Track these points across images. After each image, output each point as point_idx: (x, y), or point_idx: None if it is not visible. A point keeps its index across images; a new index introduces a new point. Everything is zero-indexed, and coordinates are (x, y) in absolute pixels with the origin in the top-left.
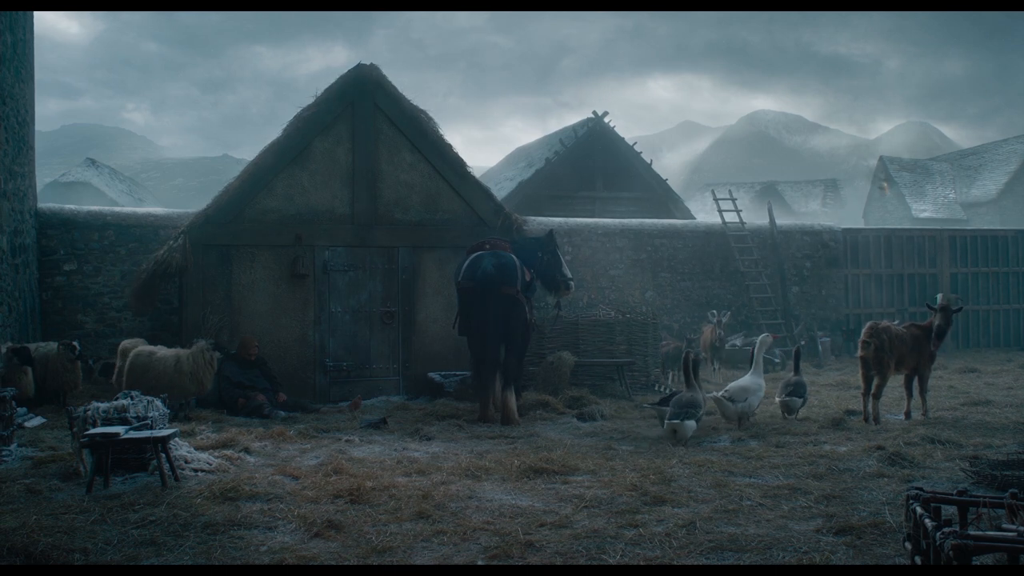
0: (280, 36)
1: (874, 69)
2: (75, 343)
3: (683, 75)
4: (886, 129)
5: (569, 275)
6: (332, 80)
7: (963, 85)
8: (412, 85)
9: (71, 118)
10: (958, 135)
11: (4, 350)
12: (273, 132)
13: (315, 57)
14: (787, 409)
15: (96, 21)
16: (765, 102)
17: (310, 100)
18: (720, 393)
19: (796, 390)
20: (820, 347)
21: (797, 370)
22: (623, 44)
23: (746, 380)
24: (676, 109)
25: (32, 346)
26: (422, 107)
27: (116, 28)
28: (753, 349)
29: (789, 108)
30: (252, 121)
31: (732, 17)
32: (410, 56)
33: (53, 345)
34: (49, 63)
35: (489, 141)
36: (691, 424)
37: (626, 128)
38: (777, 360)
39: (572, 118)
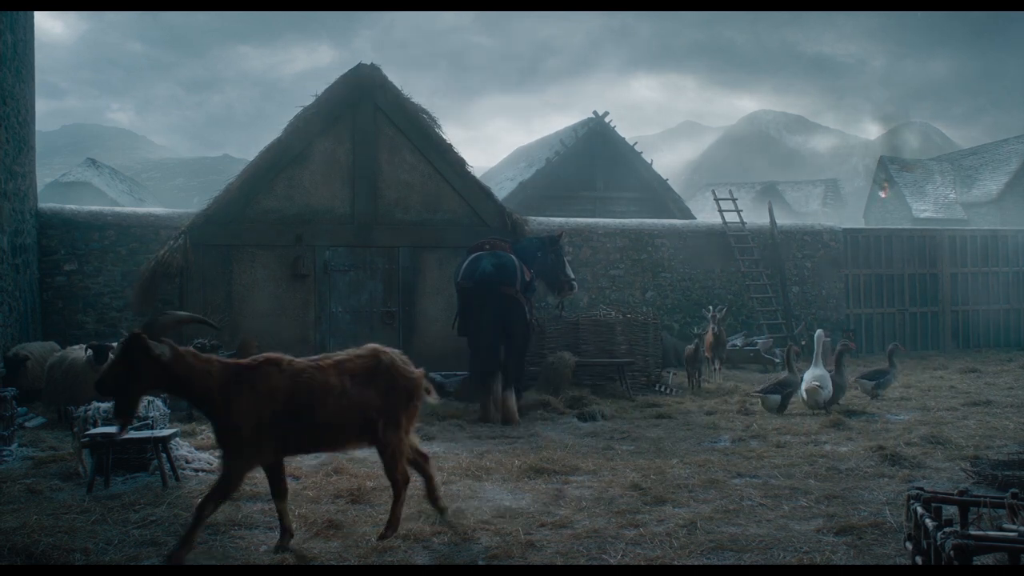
0: (265, 36)
1: (859, 69)
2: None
3: (668, 75)
4: (874, 128)
5: (573, 275)
6: (318, 80)
7: (948, 85)
8: (398, 84)
9: (56, 117)
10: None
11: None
12: (260, 132)
13: (300, 57)
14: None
15: (80, 21)
16: (751, 102)
17: (311, 100)
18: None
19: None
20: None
21: (791, 369)
22: (608, 44)
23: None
24: (662, 109)
25: (30, 345)
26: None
27: (100, 28)
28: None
29: (774, 107)
30: (238, 121)
31: (717, 17)
32: (394, 56)
33: (51, 344)
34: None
35: (473, 141)
36: (776, 397)
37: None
38: (778, 360)
39: (558, 118)
